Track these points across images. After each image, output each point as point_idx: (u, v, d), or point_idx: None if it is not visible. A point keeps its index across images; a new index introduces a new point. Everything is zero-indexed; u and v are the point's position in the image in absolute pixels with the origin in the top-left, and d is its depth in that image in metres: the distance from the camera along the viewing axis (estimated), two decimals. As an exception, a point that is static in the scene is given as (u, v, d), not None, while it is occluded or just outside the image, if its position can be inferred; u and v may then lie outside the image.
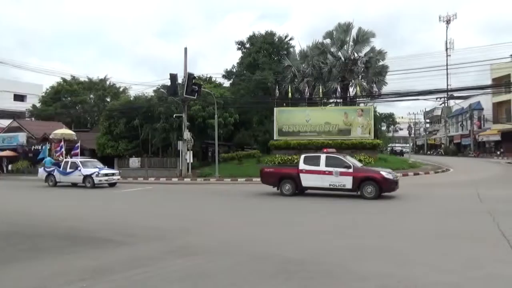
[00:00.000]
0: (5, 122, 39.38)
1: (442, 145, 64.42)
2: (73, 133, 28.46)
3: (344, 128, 26.76)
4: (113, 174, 21.39)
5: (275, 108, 27.91)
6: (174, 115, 26.58)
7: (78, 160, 22.18)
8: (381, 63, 31.42)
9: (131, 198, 16.48)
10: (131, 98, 33.71)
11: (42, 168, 23.25)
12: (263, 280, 4.97)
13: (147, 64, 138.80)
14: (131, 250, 6.69)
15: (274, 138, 27.43)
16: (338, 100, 32.29)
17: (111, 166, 30.66)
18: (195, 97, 25.07)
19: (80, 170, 20.96)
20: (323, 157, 13.92)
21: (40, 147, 33.88)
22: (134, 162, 29.06)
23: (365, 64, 30.96)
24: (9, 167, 35.09)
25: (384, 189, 12.90)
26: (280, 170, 15.36)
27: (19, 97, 52.01)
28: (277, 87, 30.08)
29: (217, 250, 6.64)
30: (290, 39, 37.06)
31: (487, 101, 48.25)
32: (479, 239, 7.19)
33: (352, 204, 12.40)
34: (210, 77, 35.72)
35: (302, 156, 14.57)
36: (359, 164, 14.28)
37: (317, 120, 27.06)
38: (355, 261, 5.75)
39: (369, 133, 26.51)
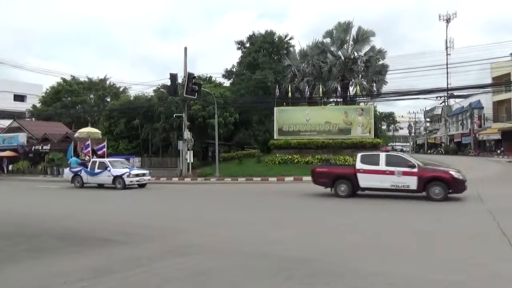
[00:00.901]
0: (5, 123, 39.42)
1: (443, 144, 64.39)
2: (99, 131, 26.90)
3: (344, 127, 26.78)
4: (143, 175, 20.11)
5: (275, 108, 27.93)
6: (174, 115, 26.57)
7: (106, 160, 21.09)
8: (381, 62, 31.43)
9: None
10: (131, 98, 33.71)
11: (68, 168, 22.00)
12: (264, 278, 4.96)
13: (147, 64, 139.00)
14: (132, 249, 6.68)
15: (274, 138, 27.46)
16: (338, 100, 32.29)
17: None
18: (195, 97, 25.06)
19: (109, 171, 19.70)
20: (382, 155, 13.27)
21: (39, 147, 33.86)
22: (134, 162, 29.03)
23: (365, 63, 30.96)
24: (10, 167, 35.12)
25: (453, 190, 12.12)
26: (335, 169, 14.54)
27: (19, 97, 52.09)
28: (277, 86, 30.09)
29: (219, 249, 6.62)
30: (290, 38, 37.09)
31: (487, 100, 48.19)
32: (480, 238, 7.20)
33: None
34: (210, 77, 35.75)
35: (359, 155, 13.73)
36: (422, 163, 13.40)
37: (317, 120, 27.08)
38: (359, 259, 5.75)
39: (369, 132, 26.52)
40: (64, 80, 46.57)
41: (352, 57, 31.51)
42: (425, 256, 5.94)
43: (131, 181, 19.40)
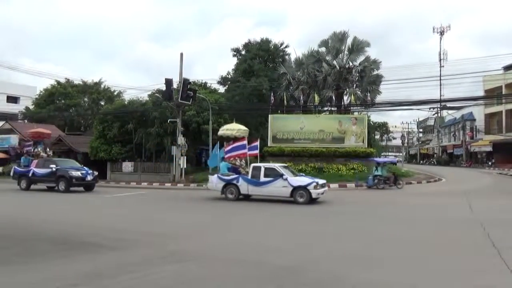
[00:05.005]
0: (-2, 124, 39.06)
1: (435, 155, 64.92)
2: (246, 129, 20.69)
3: (338, 136, 26.91)
4: (324, 185, 15.46)
5: (269, 115, 28.02)
6: (169, 120, 26.54)
7: (277, 165, 16.11)
8: (375, 72, 31.69)
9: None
10: (126, 102, 33.61)
11: (216, 175, 16.78)
12: (254, 287, 4.95)
13: (142, 68, 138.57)
14: (125, 255, 6.63)
15: (268, 145, 27.49)
16: (332, 108, 32.48)
17: (104, 170, 30.53)
18: (190, 103, 25.06)
19: (285, 179, 14.72)
20: None
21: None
22: (127, 166, 28.89)
23: (359, 73, 31.22)
24: (0, 169, 34.74)
25: None
26: None
27: (12, 99, 51.63)
28: (272, 94, 30.22)
29: (209, 256, 6.60)
30: (286, 46, 37.32)
31: (479, 112, 48.84)
32: (470, 249, 7.25)
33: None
34: (205, 83, 35.78)
35: None
36: None
37: (311, 128, 27.20)
38: (347, 269, 5.76)
39: (363, 142, 26.69)
40: (58, 82, 46.38)
41: (347, 66, 31.74)
42: (415, 265, 5.97)
43: (318, 194, 14.51)
